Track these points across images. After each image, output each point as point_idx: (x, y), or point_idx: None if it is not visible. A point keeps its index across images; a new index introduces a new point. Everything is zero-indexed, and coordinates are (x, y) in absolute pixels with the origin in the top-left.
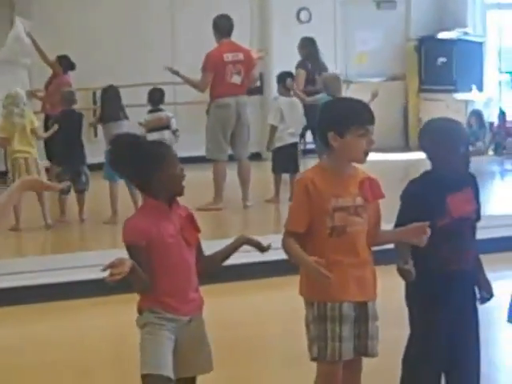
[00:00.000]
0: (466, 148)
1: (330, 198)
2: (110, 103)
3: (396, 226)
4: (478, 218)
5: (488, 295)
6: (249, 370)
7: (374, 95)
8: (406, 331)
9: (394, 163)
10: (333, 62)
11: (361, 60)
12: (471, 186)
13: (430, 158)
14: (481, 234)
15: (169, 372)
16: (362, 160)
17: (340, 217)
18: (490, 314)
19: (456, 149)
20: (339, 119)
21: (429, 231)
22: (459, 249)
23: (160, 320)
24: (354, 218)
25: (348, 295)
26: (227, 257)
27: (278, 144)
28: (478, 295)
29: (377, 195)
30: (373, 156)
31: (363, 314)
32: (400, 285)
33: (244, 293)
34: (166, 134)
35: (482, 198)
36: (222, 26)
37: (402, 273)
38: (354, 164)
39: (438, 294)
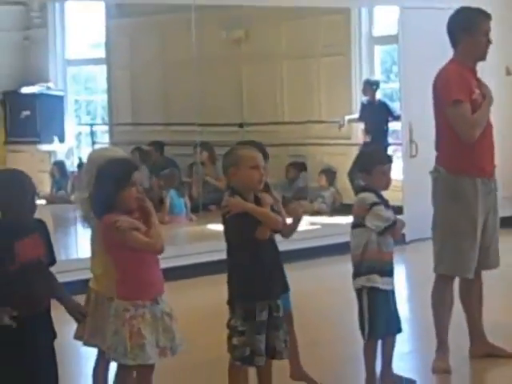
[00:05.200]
0: (32, 196)
1: None
2: None
3: None
4: (53, 260)
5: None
6: None
7: None
8: None
9: None
10: None
11: None
12: (39, 231)
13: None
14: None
15: None
16: None
17: None
18: None
19: (24, 197)
20: None
21: None
22: (30, 293)
23: None
24: None
25: None
26: None
27: None
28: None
29: None
30: None
31: None
32: None
33: None
34: None
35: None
36: None
37: None
38: None
39: (13, 339)
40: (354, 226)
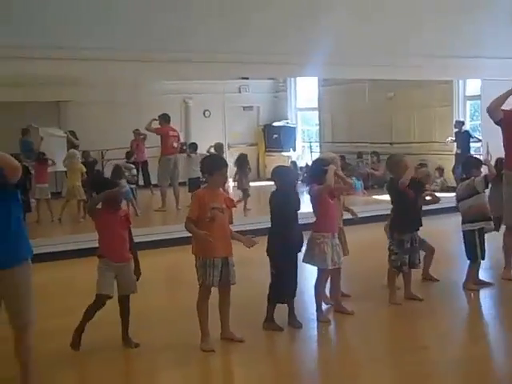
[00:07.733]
0: (295, 179)
1: (209, 202)
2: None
3: None
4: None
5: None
6: None
7: None
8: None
9: (254, 187)
10: (223, 136)
11: (235, 136)
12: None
13: (276, 183)
14: None
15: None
16: (223, 186)
17: (213, 212)
18: None
19: (291, 180)
20: (210, 166)
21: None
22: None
23: None
24: (219, 214)
25: (217, 253)
26: None
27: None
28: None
29: (230, 205)
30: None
31: (226, 262)
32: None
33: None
34: None
35: None
36: (165, 118)
37: None
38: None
39: (282, 251)
40: (463, 198)
